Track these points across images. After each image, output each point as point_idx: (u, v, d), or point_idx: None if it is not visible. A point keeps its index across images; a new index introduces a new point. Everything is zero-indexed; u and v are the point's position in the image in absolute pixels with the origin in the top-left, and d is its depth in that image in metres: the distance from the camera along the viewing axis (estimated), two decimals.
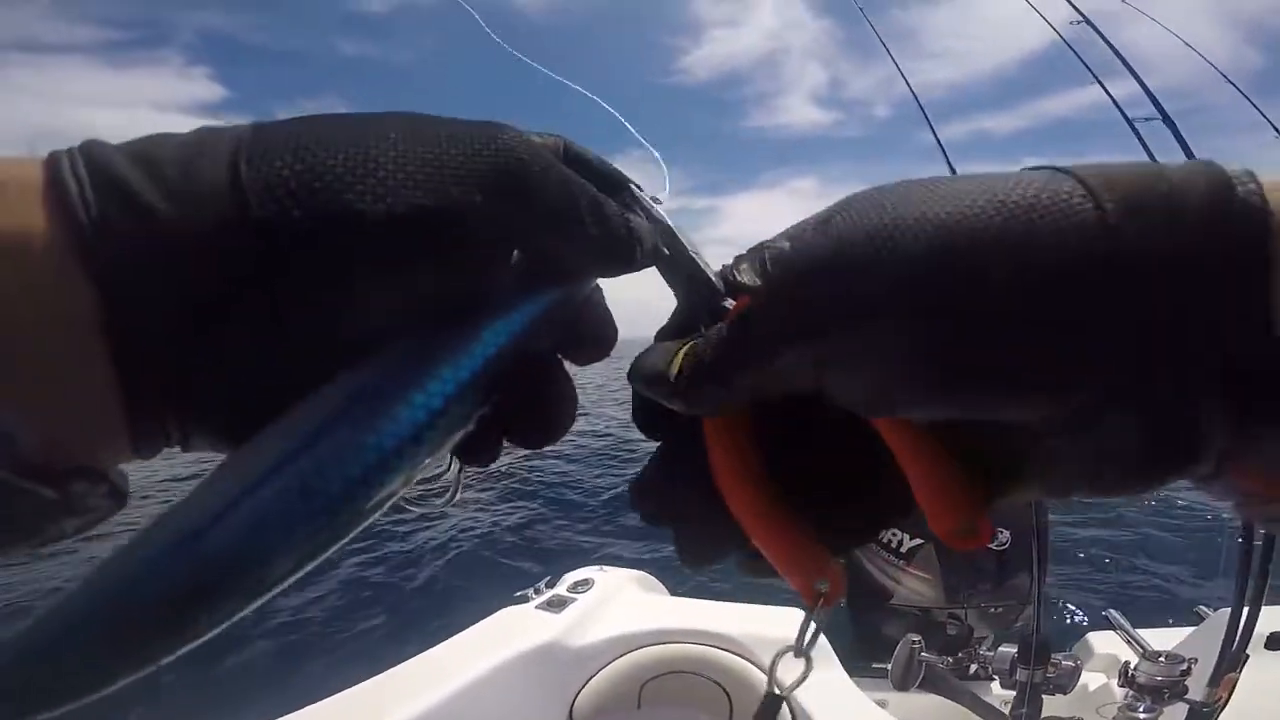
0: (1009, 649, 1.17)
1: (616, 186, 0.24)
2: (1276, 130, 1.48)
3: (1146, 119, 1.23)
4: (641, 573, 1.49)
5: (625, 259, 0.22)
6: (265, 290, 0.16)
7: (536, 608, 1.27)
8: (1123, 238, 0.15)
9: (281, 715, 0.91)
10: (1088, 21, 1.51)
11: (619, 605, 1.32)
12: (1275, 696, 1.16)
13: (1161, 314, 0.15)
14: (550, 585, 1.38)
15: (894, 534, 1.35)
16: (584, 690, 1.20)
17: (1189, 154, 1.21)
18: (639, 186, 0.26)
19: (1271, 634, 1.13)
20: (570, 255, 0.21)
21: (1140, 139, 1.21)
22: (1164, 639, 1.23)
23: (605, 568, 1.46)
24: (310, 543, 0.17)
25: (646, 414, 0.23)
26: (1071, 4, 1.56)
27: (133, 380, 0.16)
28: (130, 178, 0.15)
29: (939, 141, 1.48)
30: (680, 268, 0.24)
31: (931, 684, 1.26)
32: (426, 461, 0.19)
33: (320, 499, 0.17)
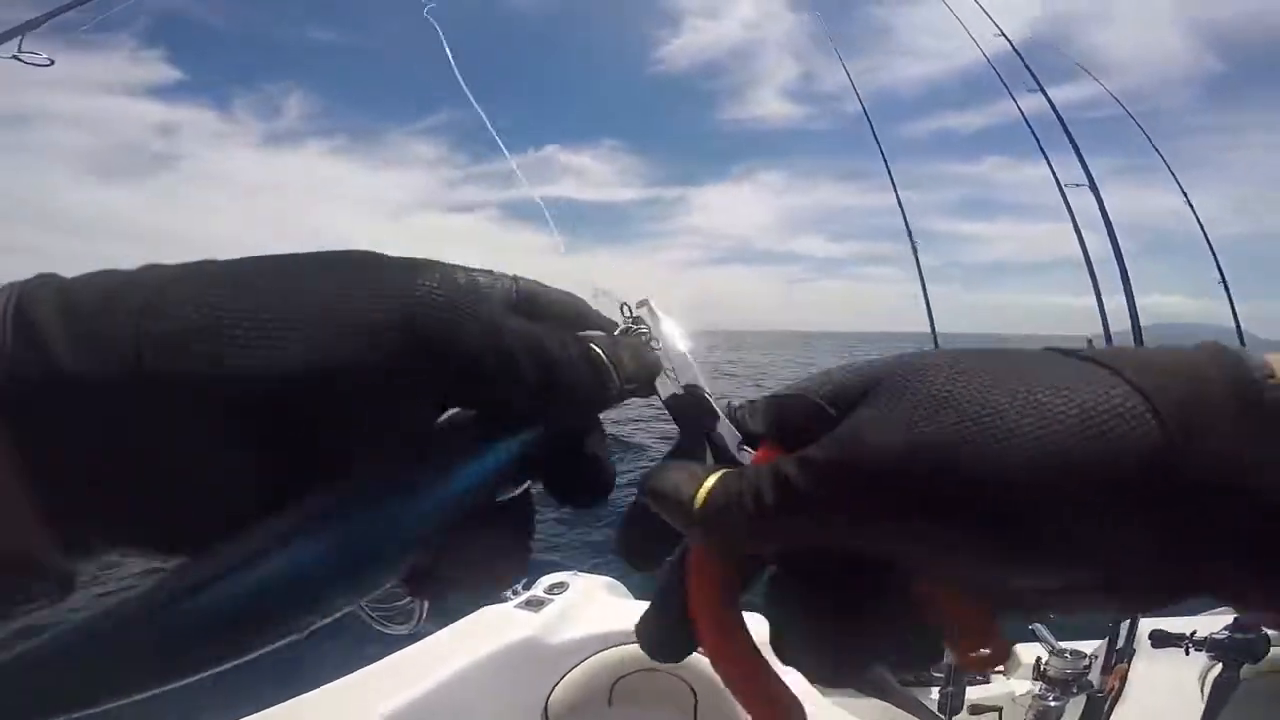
0: None
1: (575, 324, 0.25)
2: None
3: (1076, 185, 1.41)
4: (611, 579, 1.58)
5: (581, 401, 0.22)
6: (159, 440, 0.18)
7: (515, 607, 1.33)
8: (1183, 465, 0.16)
9: (264, 709, 0.94)
10: (1016, 48, 1.66)
11: (593, 607, 1.40)
12: (1162, 685, 1.35)
13: (1205, 526, 0.16)
14: (527, 587, 1.44)
15: None
16: (559, 686, 1.26)
17: (1106, 216, 1.38)
18: (633, 317, 0.27)
19: (1153, 631, 1.31)
20: (516, 403, 0.21)
21: (1068, 204, 1.38)
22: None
23: (579, 573, 1.54)
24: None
25: (644, 542, 0.24)
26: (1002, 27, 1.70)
27: (51, 503, 0.17)
28: (46, 328, 0.17)
29: (878, 142, 1.61)
30: (684, 403, 0.25)
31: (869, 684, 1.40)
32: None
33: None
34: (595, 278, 0.31)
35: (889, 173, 1.54)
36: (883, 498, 0.18)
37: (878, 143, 1.56)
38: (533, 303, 0.23)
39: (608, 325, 0.27)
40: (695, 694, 1.26)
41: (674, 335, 0.27)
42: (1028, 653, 1.45)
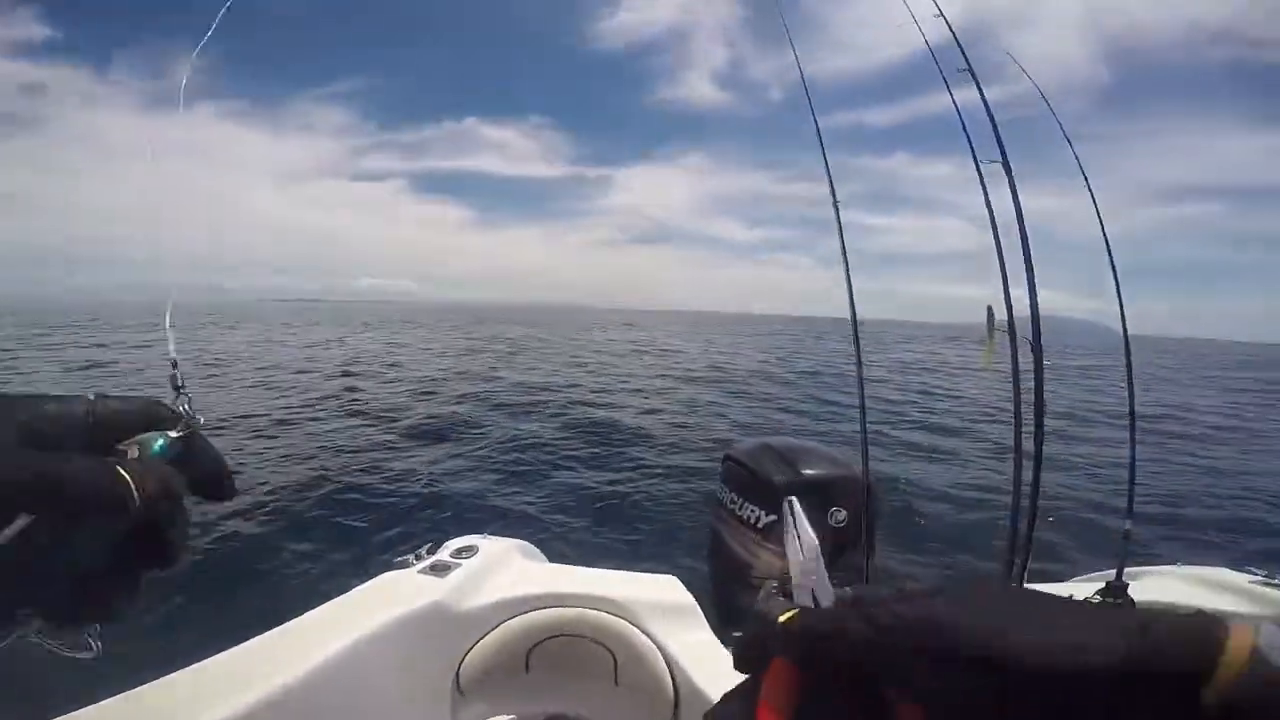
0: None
1: (148, 427, 0.38)
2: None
3: (992, 161, 1.51)
4: (523, 541, 1.54)
5: (94, 510, 0.33)
6: None
7: (419, 573, 1.28)
8: None
9: (160, 677, 0.87)
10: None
11: (504, 571, 1.36)
12: None
13: None
14: (432, 552, 1.39)
15: (753, 510, 1.49)
16: (471, 653, 1.23)
17: (1015, 196, 1.50)
18: (186, 397, 0.42)
19: None
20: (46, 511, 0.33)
21: (983, 182, 1.48)
22: None
23: (489, 535, 1.50)
24: None
25: (757, 650, 0.31)
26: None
27: None
28: None
29: (819, 134, 1.65)
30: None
31: None
32: None
33: None
34: (170, 349, 0.44)
35: (826, 164, 1.57)
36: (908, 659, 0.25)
37: (819, 135, 1.59)
38: (106, 421, 0.36)
39: (177, 421, 0.39)
40: (615, 657, 1.26)
41: (809, 540, 0.37)
42: None
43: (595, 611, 1.27)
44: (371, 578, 1.27)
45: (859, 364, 1.49)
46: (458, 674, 1.22)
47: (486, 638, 1.25)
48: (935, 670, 0.24)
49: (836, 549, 1.43)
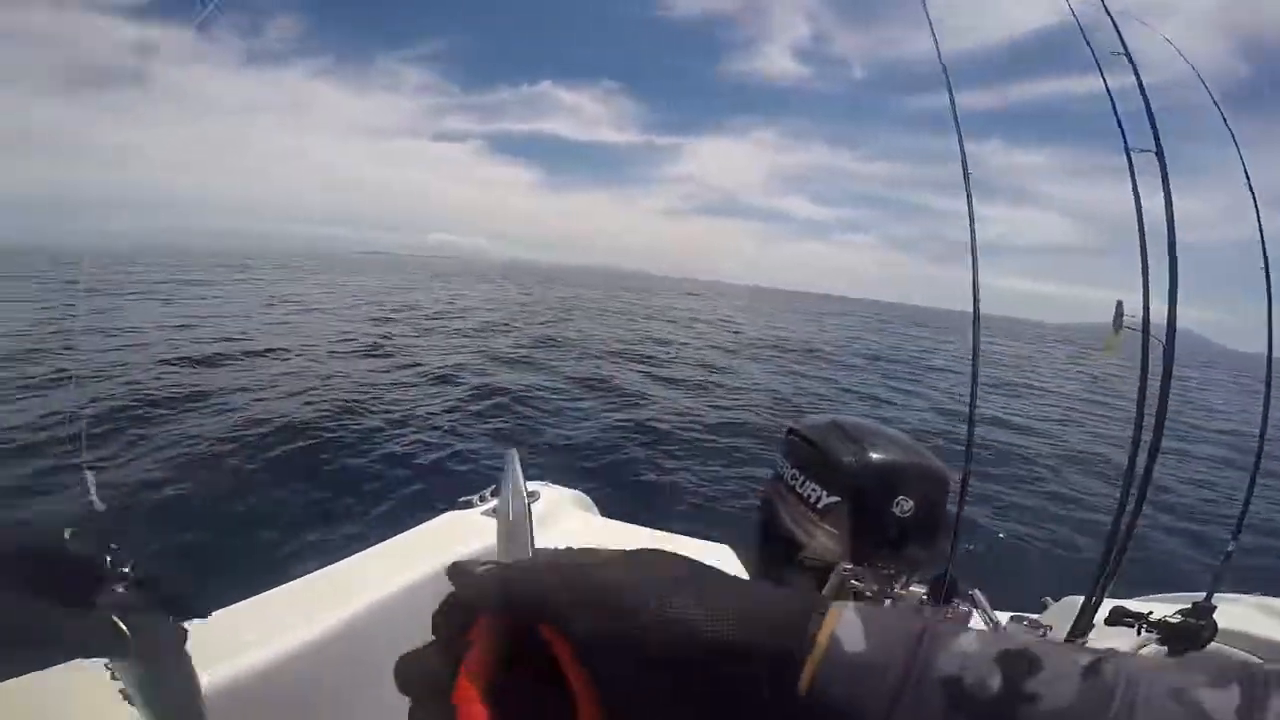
0: (920, 588, 1.32)
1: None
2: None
3: (1143, 150, 1.34)
4: (580, 493, 1.55)
5: None
6: None
7: (481, 514, 1.31)
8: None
9: (231, 604, 0.92)
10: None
11: (562, 520, 1.38)
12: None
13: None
14: (495, 494, 1.39)
15: (814, 489, 1.44)
16: None
17: (1167, 186, 1.33)
18: None
19: (1113, 609, 1.36)
20: None
21: (1132, 171, 1.32)
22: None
23: (549, 483, 1.52)
24: None
25: (460, 611, 0.33)
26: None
27: None
28: None
29: (955, 115, 1.50)
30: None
31: None
32: None
33: None
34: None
35: (961, 149, 1.42)
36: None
37: (955, 116, 1.44)
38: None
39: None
40: None
41: (520, 501, 0.36)
42: (978, 620, 1.50)
43: None
44: (437, 515, 1.30)
45: (975, 355, 1.38)
46: None
47: None
48: (583, 615, 0.27)
49: (899, 539, 1.36)
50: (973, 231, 1.37)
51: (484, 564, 0.32)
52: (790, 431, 1.60)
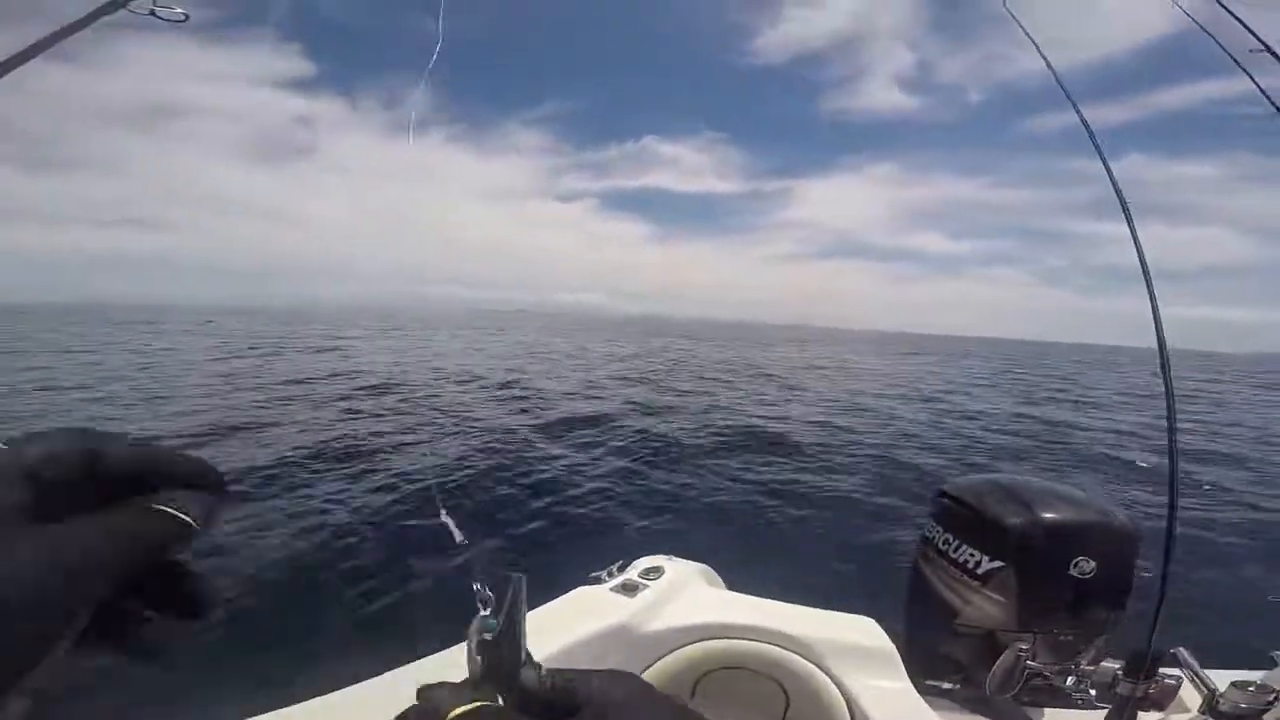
0: (1112, 664, 1.20)
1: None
2: None
3: None
4: (705, 566, 1.53)
5: None
6: None
7: (610, 590, 1.32)
8: None
9: (365, 680, 0.95)
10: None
11: (686, 595, 1.36)
12: None
13: None
14: (622, 570, 1.43)
15: (972, 554, 1.35)
16: (643, 675, 1.23)
17: None
18: None
19: None
20: None
21: None
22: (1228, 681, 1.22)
23: (674, 558, 1.51)
24: None
25: None
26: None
27: None
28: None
29: (1085, 123, 1.39)
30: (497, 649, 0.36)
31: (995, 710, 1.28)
32: None
33: None
34: None
35: (1106, 165, 1.32)
36: None
37: (1090, 133, 1.35)
38: (119, 474, 0.29)
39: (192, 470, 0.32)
40: (788, 696, 1.19)
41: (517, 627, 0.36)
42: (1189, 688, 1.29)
43: (773, 646, 1.22)
44: (568, 590, 1.33)
45: (1169, 395, 1.22)
46: None
47: (659, 662, 1.25)
48: None
49: (1078, 602, 1.26)
50: (1141, 256, 1.23)
51: (457, 687, 0.33)
52: (941, 494, 1.52)
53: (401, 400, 10.15)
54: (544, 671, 0.35)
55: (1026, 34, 1.47)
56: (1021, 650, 1.24)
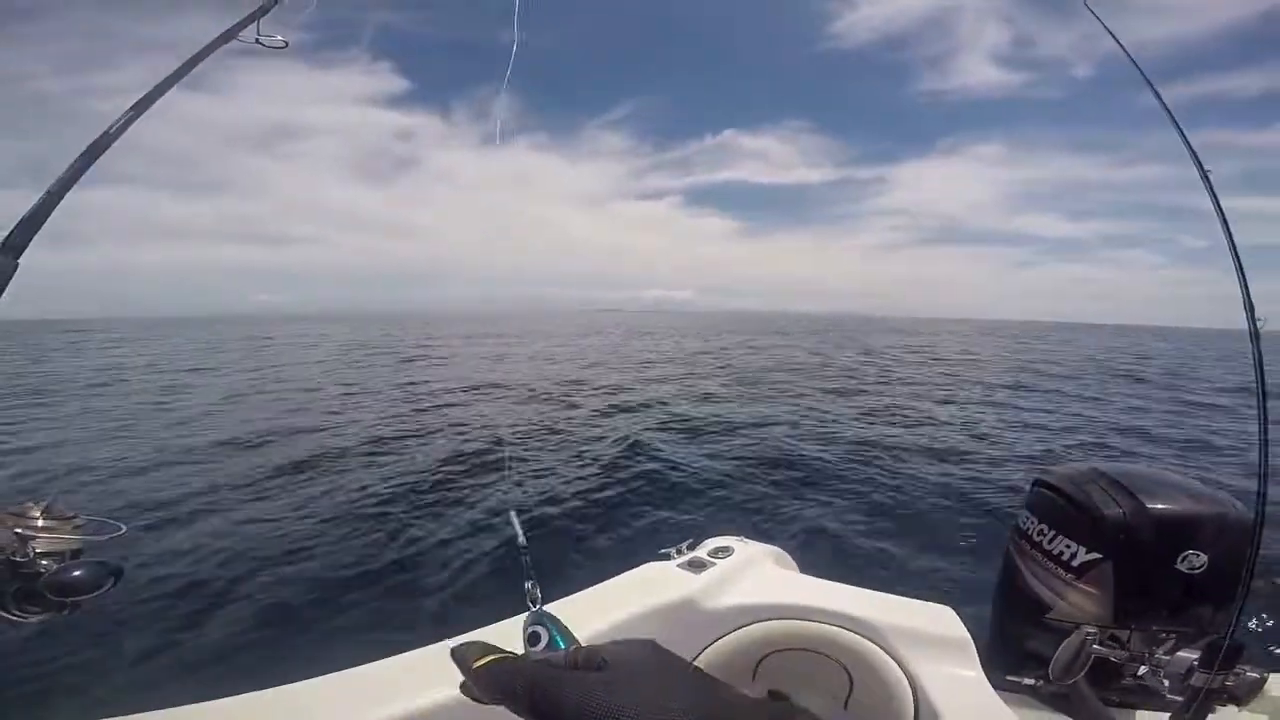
0: (1189, 654, 1.14)
1: None
2: None
3: None
4: (778, 549, 1.53)
5: None
6: None
7: (678, 566, 1.36)
8: None
9: (426, 645, 1.03)
10: None
11: (753, 575, 1.38)
12: None
13: None
14: (692, 548, 1.46)
15: (1067, 545, 1.30)
16: (704, 653, 1.26)
17: None
18: None
19: None
20: None
21: None
22: None
23: (745, 539, 1.52)
24: None
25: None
26: None
27: None
28: None
29: (1162, 103, 1.32)
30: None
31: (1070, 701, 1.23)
32: None
33: None
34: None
35: (1187, 143, 1.24)
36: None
37: (1168, 110, 1.27)
38: None
39: None
40: (852, 681, 1.19)
41: None
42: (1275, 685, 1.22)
43: (839, 629, 1.22)
44: (639, 564, 1.39)
45: (1258, 368, 1.14)
46: None
47: (722, 640, 1.27)
48: None
49: (1184, 599, 1.19)
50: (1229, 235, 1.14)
51: (482, 651, 0.42)
52: (1038, 483, 1.46)
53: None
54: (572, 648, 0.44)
55: (1106, 28, 1.39)
56: (1089, 633, 1.18)
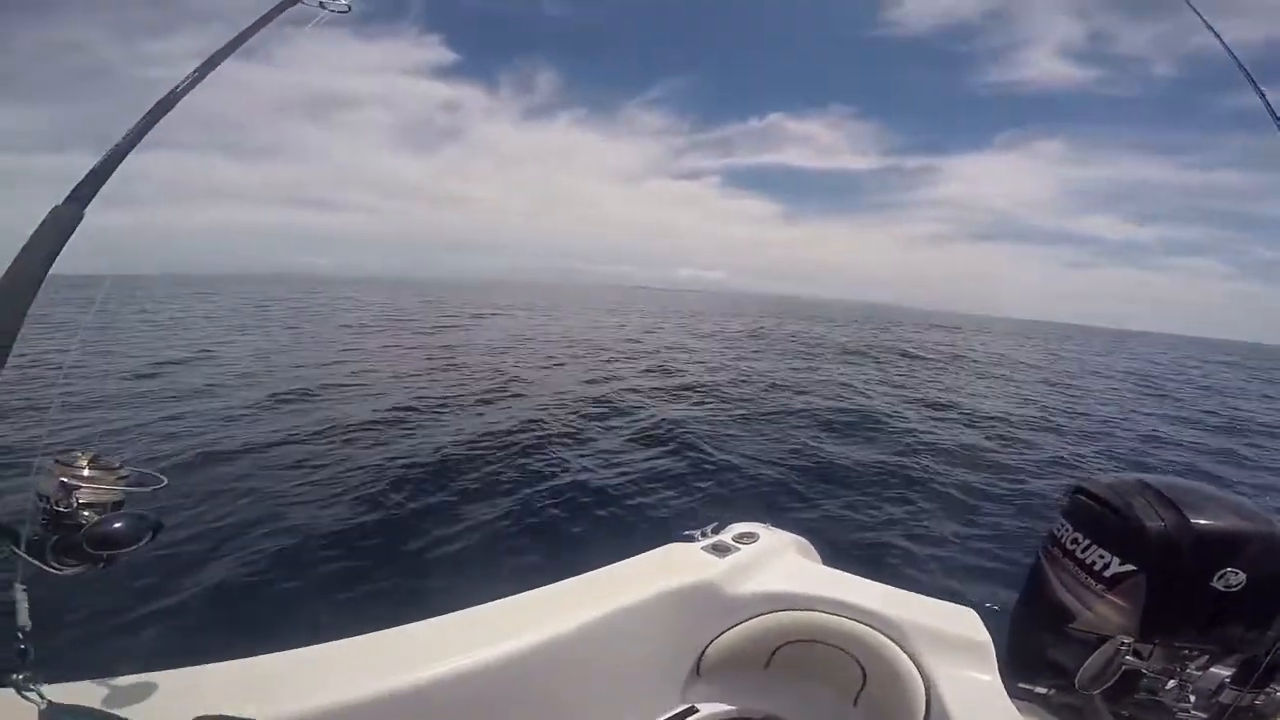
0: (1222, 670, 1.13)
1: None
2: None
3: None
4: (801, 538, 1.54)
5: None
6: None
7: (702, 549, 1.37)
8: None
9: (460, 609, 1.07)
10: None
11: (776, 564, 1.39)
12: None
13: None
14: (716, 531, 1.47)
15: (1101, 555, 1.27)
16: (720, 638, 1.28)
17: None
18: None
19: None
20: None
21: None
22: None
23: (770, 526, 1.53)
24: None
25: None
26: None
27: None
28: None
29: (1265, 100, 1.25)
30: None
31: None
32: None
33: None
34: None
35: None
36: None
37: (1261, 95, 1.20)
38: None
39: None
40: (865, 676, 1.20)
41: None
42: None
43: (856, 623, 1.22)
44: (662, 544, 1.41)
45: None
46: (701, 655, 1.28)
47: (739, 626, 1.28)
48: None
49: (1216, 617, 1.17)
50: None
51: None
52: (1078, 490, 1.44)
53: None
54: None
55: (1206, 23, 1.32)
56: (1124, 643, 1.16)
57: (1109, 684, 1.17)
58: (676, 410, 7.87)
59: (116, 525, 0.63)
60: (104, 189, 0.64)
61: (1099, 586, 1.25)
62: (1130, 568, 1.21)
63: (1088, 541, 1.32)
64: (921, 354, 19.06)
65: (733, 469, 5.48)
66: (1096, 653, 1.18)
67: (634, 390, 9.24)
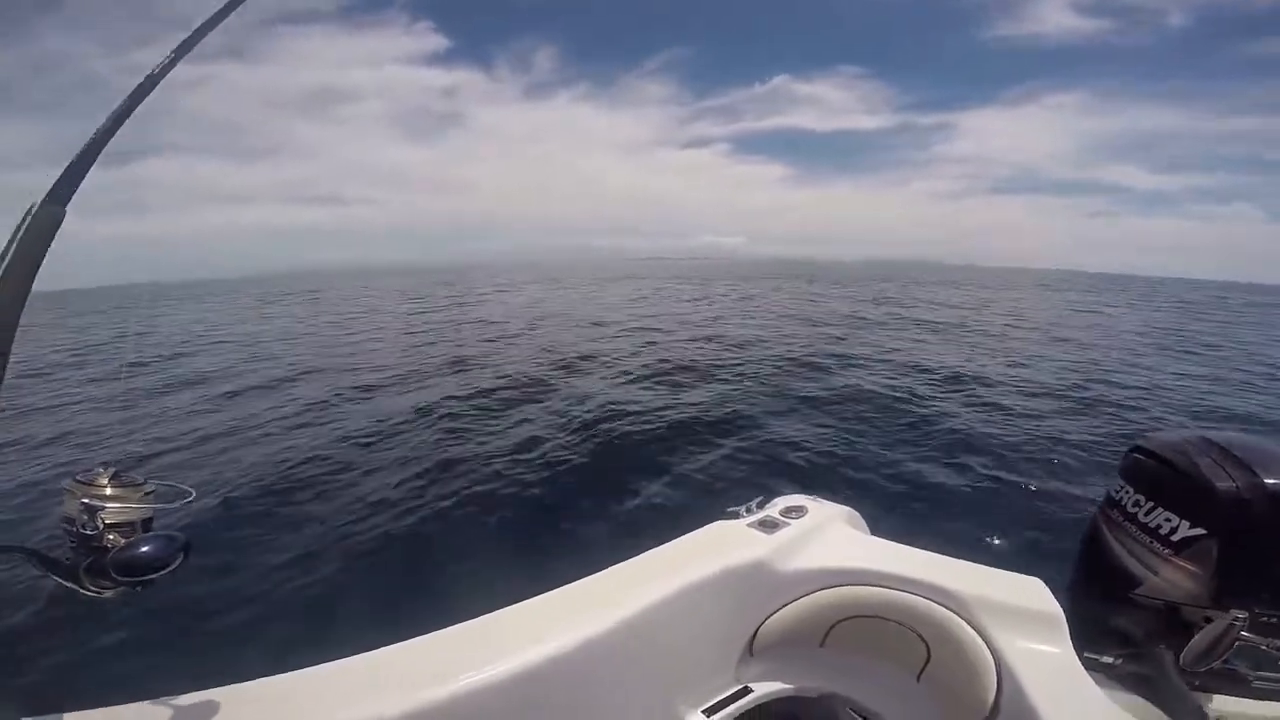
0: None
1: None
2: None
3: None
4: (850, 509, 1.50)
5: None
6: None
7: (748, 525, 1.33)
8: None
9: (519, 602, 1.06)
10: None
11: (828, 538, 1.35)
12: None
13: None
14: (761, 506, 1.44)
15: (1166, 517, 1.22)
16: (774, 616, 1.25)
17: None
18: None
19: None
20: None
21: None
22: None
23: (818, 498, 1.49)
24: None
25: None
26: None
27: None
28: None
29: None
30: None
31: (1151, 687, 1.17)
32: None
33: None
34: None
35: None
36: None
37: None
38: None
39: None
40: (929, 651, 1.16)
41: None
42: None
43: (918, 597, 1.18)
44: (705, 523, 1.38)
45: None
46: (755, 634, 1.26)
47: (793, 604, 1.25)
48: None
49: None
50: None
51: None
52: (1136, 449, 1.37)
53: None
54: None
55: None
56: (1238, 619, 1.11)
57: (1219, 661, 1.12)
58: (708, 378, 7.82)
59: (143, 549, 0.60)
60: (117, 196, 0.61)
61: (1166, 551, 1.20)
62: (1200, 531, 1.16)
63: (1150, 504, 1.27)
64: (956, 312, 18.69)
65: (782, 441, 5.42)
66: (1207, 629, 1.13)
67: (655, 365, 9.19)
